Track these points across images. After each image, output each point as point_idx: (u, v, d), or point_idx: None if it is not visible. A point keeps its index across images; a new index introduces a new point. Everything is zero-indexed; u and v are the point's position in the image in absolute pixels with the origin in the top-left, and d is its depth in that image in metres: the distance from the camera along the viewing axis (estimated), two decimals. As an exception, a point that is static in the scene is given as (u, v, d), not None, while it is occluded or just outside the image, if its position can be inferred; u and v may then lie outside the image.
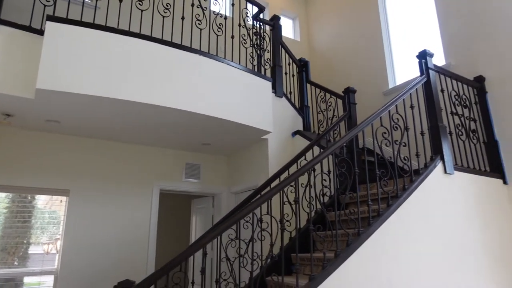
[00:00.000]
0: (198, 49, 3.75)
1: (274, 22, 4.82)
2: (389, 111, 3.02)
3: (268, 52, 4.80)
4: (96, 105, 3.33)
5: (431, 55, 3.44)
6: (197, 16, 4.21)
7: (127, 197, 4.42)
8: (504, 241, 3.37)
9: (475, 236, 3.15)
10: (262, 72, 4.44)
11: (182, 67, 3.55)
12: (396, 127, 3.04)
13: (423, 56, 3.41)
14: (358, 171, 2.80)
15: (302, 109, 4.91)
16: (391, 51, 5.28)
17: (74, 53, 3.09)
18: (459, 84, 3.83)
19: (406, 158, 3.07)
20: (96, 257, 4.07)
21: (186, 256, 2.31)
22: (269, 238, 2.98)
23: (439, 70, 3.54)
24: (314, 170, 2.73)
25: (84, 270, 3.98)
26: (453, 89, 3.73)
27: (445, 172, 3.13)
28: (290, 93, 4.97)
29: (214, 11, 4.43)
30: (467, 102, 3.79)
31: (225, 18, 4.30)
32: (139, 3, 3.68)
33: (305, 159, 3.53)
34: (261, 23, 4.62)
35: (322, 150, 2.94)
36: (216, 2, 4.32)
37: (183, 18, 3.82)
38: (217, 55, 3.89)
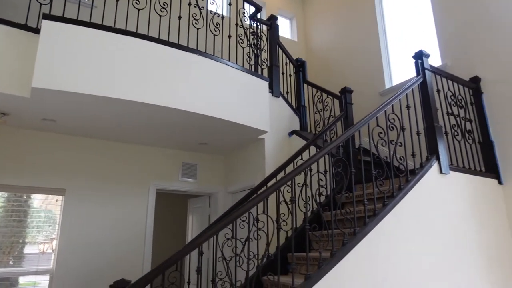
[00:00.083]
0: (195, 48, 3.75)
1: (271, 22, 4.83)
2: (385, 111, 3.03)
3: (265, 52, 4.81)
4: (92, 104, 3.32)
5: (427, 56, 3.45)
6: (194, 15, 4.20)
7: (123, 196, 4.41)
8: (499, 241, 3.39)
9: (471, 236, 3.17)
10: (259, 72, 4.44)
11: (179, 66, 3.54)
12: (392, 127, 3.05)
13: (419, 56, 3.43)
14: (354, 171, 2.81)
15: (299, 109, 4.92)
16: (388, 52, 5.30)
17: (70, 52, 3.08)
18: (455, 84, 3.85)
19: (402, 158, 3.09)
20: (92, 257, 4.06)
21: (182, 255, 2.31)
22: (265, 238, 2.98)
23: (435, 71, 3.55)
24: (310, 170, 2.73)
25: (80, 270, 3.97)
26: (449, 89, 3.75)
27: (441, 172, 3.14)
28: (287, 93, 4.98)
29: (211, 11, 4.43)
30: (463, 103, 3.81)
31: (222, 17, 4.30)
32: (136, 2, 3.68)
33: (301, 158, 3.53)
34: (258, 23, 4.62)
35: (318, 150, 2.95)
36: (213, 1, 4.32)
37: (180, 17, 3.81)
38: (214, 54, 3.89)
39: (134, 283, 2.18)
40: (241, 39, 4.52)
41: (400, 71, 5.07)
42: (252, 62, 4.48)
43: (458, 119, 3.72)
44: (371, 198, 3.11)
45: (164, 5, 3.94)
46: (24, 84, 3.04)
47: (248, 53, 4.52)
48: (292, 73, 5.27)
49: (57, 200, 4.13)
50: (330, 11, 6.52)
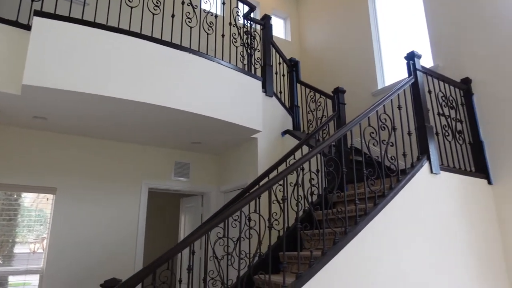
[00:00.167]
0: (188, 47, 3.74)
1: (265, 21, 4.83)
2: (377, 111, 3.05)
3: (258, 51, 4.81)
4: (83, 102, 3.30)
5: (419, 57, 3.48)
6: (187, 14, 4.20)
7: (115, 195, 4.38)
8: (489, 240, 3.43)
9: (461, 235, 3.20)
10: (253, 71, 4.44)
11: (172, 65, 3.53)
12: (384, 127, 3.07)
13: (411, 57, 3.45)
14: (346, 170, 2.82)
15: (292, 108, 4.93)
16: (381, 52, 5.33)
17: (62, 49, 3.06)
18: (446, 85, 3.89)
19: (393, 157, 3.11)
20: (82, 256, 4.03)
21: (173, 253, 2.31)
22: (257, 237, 2.98)
23: (427, 72, 3.58)
24: (302, 169, 2.74)
25: (71, 269, 3.94)
26: (440, 90, 3.78)
27: (431, 172, 3.17)
28: (280, 92, 4.99)
29: (205, 10, 4.42)
30: (454, 103, 3.85)
31: (216, 16, 4.29)
32: (129, 0, 3.66)
33: (294, 158, 3.54)
34: (252, 22, 4.62)
35: (310, 149, 2.96)
36: (207, 0, 4.31)
37: (173, 16, 3.80)
38: (207, 53, 3.89)
39: (125, 281, 2.17)
40: (234, 39, 4.52)
41: (392, 71, 5.11)
42: (245, 62, 4.48)
43: (449, 119, 3.76)
44: (363, 198, 3.14)
45: (157, 3, 3.92)
46: (14, 81, 3.01)
47: (241, 53, 4.52)
48: (285, 73, 5.28)
49: (48, 199, 4.09)
50: (324, 11, 6.54)
